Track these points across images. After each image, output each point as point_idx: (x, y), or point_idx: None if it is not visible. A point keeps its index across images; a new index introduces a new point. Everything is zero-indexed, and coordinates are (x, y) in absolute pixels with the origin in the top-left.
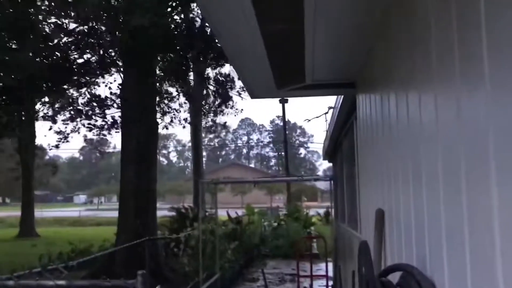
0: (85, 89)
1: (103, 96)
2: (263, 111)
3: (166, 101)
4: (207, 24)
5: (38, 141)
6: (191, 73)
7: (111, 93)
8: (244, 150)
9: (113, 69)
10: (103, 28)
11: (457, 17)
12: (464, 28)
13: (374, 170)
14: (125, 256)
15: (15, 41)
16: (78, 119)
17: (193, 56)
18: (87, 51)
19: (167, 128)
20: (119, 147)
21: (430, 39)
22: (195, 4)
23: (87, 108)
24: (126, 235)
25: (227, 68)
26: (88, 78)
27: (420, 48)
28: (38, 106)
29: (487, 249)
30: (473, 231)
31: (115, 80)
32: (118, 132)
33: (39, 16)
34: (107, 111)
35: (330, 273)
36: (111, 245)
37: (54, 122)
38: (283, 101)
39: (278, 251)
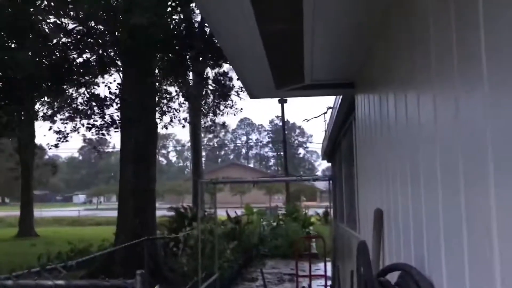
0: (84, 89)
1: (102, 96)
2: (262, 111)
3: (165, 101)
4: (206, 24)
5: (38, 140)
6: (190, 73)
7: (110, 92)
8: (243, 150)
9: (113, 69)
10: (102, 28)
11: (455, 17)
12: (463, 28)
13: (372, 170)
14: (124, 256)
15: (14, 41)
16: (78, 119)
17: (192, 56)
18: (86, 50)
19: (166, 128)
20: (118, 146)
21: (429, 40)
22: (194, 4)
23: (86, 108)
24: (125, 235)
25: (226, 68)
26: (87, 78)
27: (419, 48)
28: (37, 106)
29: (485, 249)
30: (471, 231)
31: (114, 80)
32: (117, 131)
33: (39, 16)
34: (106, 111)
35: (329, 273)
36: (110, 244)
37: (53, 122)
38: (282, 101)
39: (277, 251)
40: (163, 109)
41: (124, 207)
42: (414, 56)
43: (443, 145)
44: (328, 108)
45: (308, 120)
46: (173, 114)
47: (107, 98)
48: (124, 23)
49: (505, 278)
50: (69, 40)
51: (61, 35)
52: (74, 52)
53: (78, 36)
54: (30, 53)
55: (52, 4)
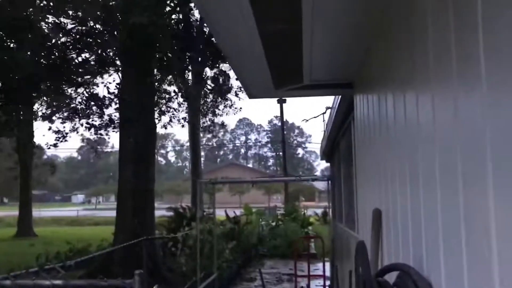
0: (83, 89)
1: (101, 95)
2: (261, 111)
3: (164, 101)
4: (205, 24)
5: (36, 140)
6: (190, 73)
7: (109, 92)
8: (242, 150)
9: (112, 69)
10: (101, 27)
11: (454, 17)
12: (461, 28)
13: (371, 170)
14: (123, 256)
15: (13, 41)
16: (76, 119)
17: (191, 56)
18: (85, 50)
19: (165, 128)
20: (117, 146)
21: (428, 40)
22: (193, 4)
23: (85, 108)
24: (124, 235)
25: (225, 68)
26: (86, 78)
27: (418, 48)
28: (36, 106)
29: (483, 250)
30: (470, 231)
31: (114, 80)
32: (115, 131)
33: (38, 16)
34: (105, 111)
35: (328, 273)
36: (109, 244)
37: (51, 121)
38: (281, 101)
39: (275, 251)
40: (162, 109)
41: (123, 207)
42: (413, 56)
43: (442, 145)
44: (327, 108)
45: (307, 120)
46: (173, 114)
47: (106, 98)
48: (123, 23)
49: (504, 279)
50: (68, 39)
51: (60, 35)
52: (73, 52)
53: (77, 36)
54: (29, 53)
55: (51, 4)
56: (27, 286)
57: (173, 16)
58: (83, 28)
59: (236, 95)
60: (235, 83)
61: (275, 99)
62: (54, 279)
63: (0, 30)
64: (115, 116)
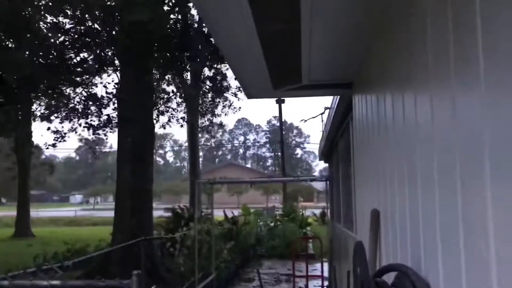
0: (81, 89)
1: (99, 95)
2: (260, 111)
3: (163, 101)
4: (204, 24)
5: (35, 140)
6: (188, 73)
7: (106, 92)
8: (241, 150)
9: (110, 69)
10: (99, 27)
11: (453, 17)
12: (460, 28)
13: (369, 171)
14: (121, 256)
15: (11, 40)
16: (75, 119)
17: (189, 56)
18: (84, 50)
19: (164, 128)
20: (115, 146)
21: (427, 39)
22: (192, 4)
23: (83, 107)
24: (122, 235)
25: (223, 68)
26: (84, 78)
27: (417, 48)
28: (35, 106)
29: (481, 250)
30: (468, 231)
31: (113, 81)
32: (112, 132)
33: (36, 16)
34: (103, 110)
35: (326, 274)
36: (107, 245)
37: (50, 121)
38: (280, 102)
39: (274, 251)
40: (160, 109)
41: (121, 207)
42: (412, 56)
43: (440, 145)
44: (326, 108)
45: (306, 121)
46: (171, 114)
47: (104, 98)
48: (122, 22)
49: (502, 279)
50: (67, 39)
51: (59, 35)
52: (72, 52)
53: (76, 36)
54: (27, 52)
55: (50, 3)
56: (24, 286)
57: (172, 16)
58: (82, 27)
59: (235, 95)
60: (233, 83)
61: (274, 100)
62: (52, 280)
63: None
64: (113, 116)
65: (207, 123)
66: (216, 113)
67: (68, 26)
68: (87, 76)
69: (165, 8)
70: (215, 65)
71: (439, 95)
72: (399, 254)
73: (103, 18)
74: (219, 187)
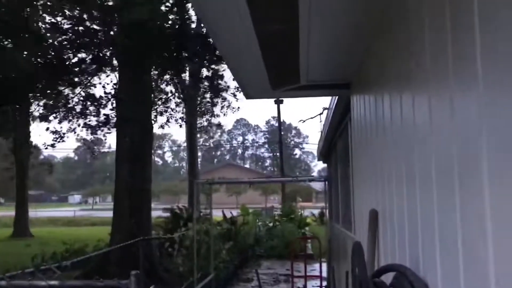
0: (80, 89)
1: (98, 95)
2: (258, 111)
3: (161, 101)
4: (202, 24)
5: (33, 140)
6: (187, 73)
7: (105, 92)
8: (239, 151)
9: (108, 69)
10: (98, 27)
11: (451, 17)
12: (458, 28)
13: (368, 171)
14: (119, 256)
15: (9, 40)
16: (73, 119)
17: (188, 56)
18: (82, 50)
19: (163, 128)
20: (114, 146)
21: (425, 39)
22: (190, 4)
23: (81, 107)
24: (120, 235)
25: (222, 68)
26: (83, 78)
27: (415, 48)
28: (33, 106)
29: (479, 250)
30: (466, 232)
31: (111, 81)
32: (109, 133)
33: (34, 16)
34: (101, 110)
35: (324, 274)
36: (106, 245)
37: (48, 122)
38: (278, 102)
39: (272, 252)
40: (158, 109)
41: (120, 207)
42: (410, 56)
43: (438, 145)
44: (324, 109)
45: (304, 121)
46: (170, 114)
47: (102, 98)
48: (120, 22)
49: (500, 279)
50: (65, 38)
51: (57, 35)
52: (70, 52)
53: (74, 36)
54: (25, 52)
55: (48, 3)
56: (22, 286)
57: (170, 16)
58: (80, 27)
59: (234, 95)
60: (232, 83)
61: (272, 100)
62: (50, 280)
63: None
64: (112, 116)
65: (206, 123)
66: (215, 113)
67: (66, 26)
68: (86, 76)
69: (164, 8)
70: (214, 66)
71: (437, 95)
72: (398, 254)
73: (101, 18)
74: (217, 187)
